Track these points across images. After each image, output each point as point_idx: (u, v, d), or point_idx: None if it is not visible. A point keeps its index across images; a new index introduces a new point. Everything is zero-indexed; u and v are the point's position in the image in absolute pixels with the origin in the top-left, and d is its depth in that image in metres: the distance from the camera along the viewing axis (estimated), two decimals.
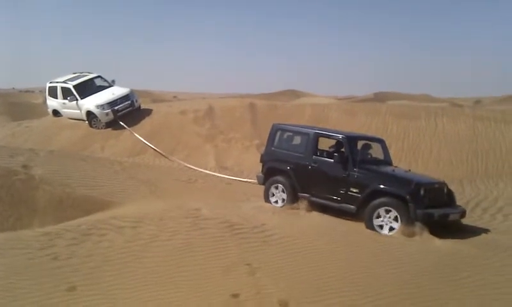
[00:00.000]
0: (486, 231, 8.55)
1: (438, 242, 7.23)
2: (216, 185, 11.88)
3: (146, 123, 17.88)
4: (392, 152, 14.47)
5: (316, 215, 8.35)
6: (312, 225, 7.62)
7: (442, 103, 34.83)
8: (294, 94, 52.72)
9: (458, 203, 9.83)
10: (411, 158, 14.54)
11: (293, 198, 8.96)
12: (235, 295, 4.90)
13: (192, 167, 14.11)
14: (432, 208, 7.79)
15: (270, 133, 9.73)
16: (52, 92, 19.18)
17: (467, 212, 9.93)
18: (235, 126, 16.99)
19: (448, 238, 7.63)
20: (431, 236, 7.44)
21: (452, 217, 8.10)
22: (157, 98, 38.65)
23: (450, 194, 8.53)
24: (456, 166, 14.06)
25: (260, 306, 4.76)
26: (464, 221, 9.05)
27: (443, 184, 8.54)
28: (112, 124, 17.81)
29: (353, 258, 6.18)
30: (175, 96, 53.41)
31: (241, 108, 18.13)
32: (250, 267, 5.60)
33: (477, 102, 49.09)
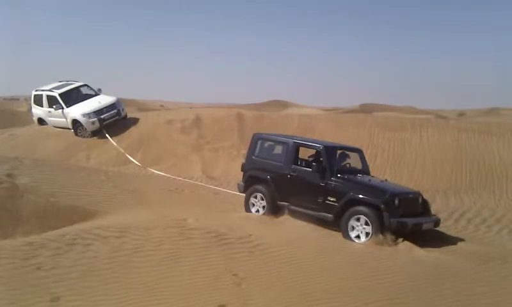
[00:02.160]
0: (470, 242, 8.65)
1: (422, 252, 7.30)
2: (203, 195, 11.84)
3: (133, 132, 17.81)
4: (377, 163, 14.70)
5: (302, 225, 8.40)
6: (298, 235, 7.65)
7: (427, 115, 35.23)
8: (281, 104, 53.07)
9: (442, 214, 10.00)
10: (396, 169, 14.67)
11: (273, 207, 9.08)
12: (222, 306, 4.87)
13: (171, 176, 14.07)
14: (407, 218, 7.97)
15: (251, 143, 9.93)
16: (38, 100, 19.01)
17: (451, 223, 10.08)
18: (222, 136, 17.00)
19: (432, 249, 7.71)
20: (416, 246, 7.51)
21: (425, 226, 8.27)
22: (143, 107, 38.49)
23: (425, 203, 8.74)
24: (440, 177, 14.21)
25: None
26: (449, 232, 9.17)
27: (417, 194, 8.75)
28: (98, 133, 17.70)
29: (339, 268, 6.21)
30: (161, 106, 53.36)
31: (228, 118, 18.16)
32: (237, 277, 5.59)
33: (461, 114, 49.86)
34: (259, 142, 9.80)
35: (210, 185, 13.29)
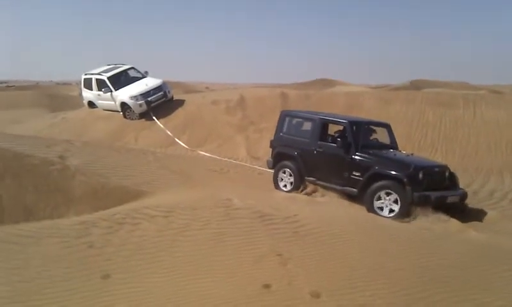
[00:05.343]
0: None
1: (474, 234, 7.05)
2: (248, 176, 11.89)
3: (179, 113, 18.06)
4: (427, 141, 14.25)
5: (348, 205, 8.32)
6: (344, 216, 7.53)
7: (480, 90, 33.65)
8: (326, 83, 52.09)
9: (497, 193, 9.61)
10: (448, 146, 14.16)
11: (300, 182, 9.38)
12: (267, 286, 4.87)
13: (217, 157, 14.21)
14: (432, 191, 7.91)
15: (279, 120, 10.23)
16: (87, 84, 19.57)
17: (507, 204, 9.66)
18: (266, 116, 16.94)
19: (485, 230, 7.42)
20: (467, 227, 7.27)
21: (450, 200, 8.19)
22: (189, 89, 38.92)
23: (452, 177, 8.67)
24: (495, 156, 13.60)
25: (291, 296, 4.71)
26: (505, 214, 8.78)
27: (444, 167, 8.69)
28: (146, 115, 18.06)
29: (387, 249, 6.06)
30: (207, 87, 53.59)
31: (272, 98, 18.06)
32: (282, 257, 5.56)
33: None
34: (287, 119, 10.08)
35: (254, 165, 13.31)
